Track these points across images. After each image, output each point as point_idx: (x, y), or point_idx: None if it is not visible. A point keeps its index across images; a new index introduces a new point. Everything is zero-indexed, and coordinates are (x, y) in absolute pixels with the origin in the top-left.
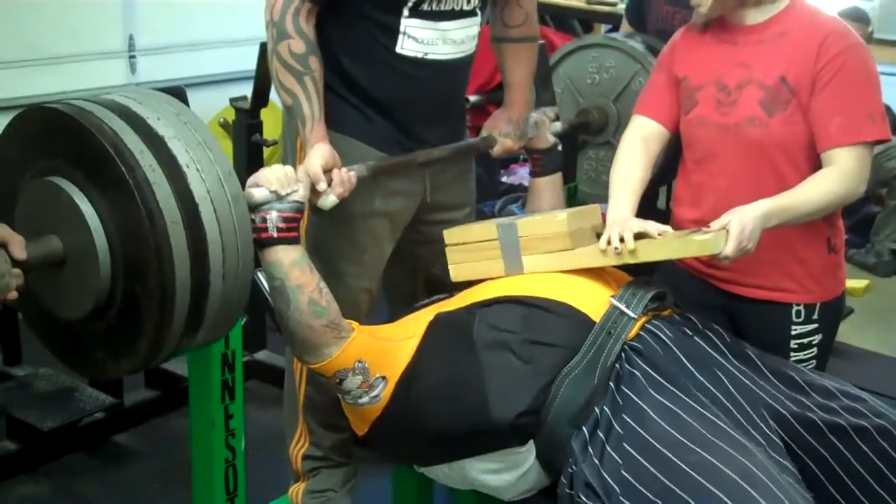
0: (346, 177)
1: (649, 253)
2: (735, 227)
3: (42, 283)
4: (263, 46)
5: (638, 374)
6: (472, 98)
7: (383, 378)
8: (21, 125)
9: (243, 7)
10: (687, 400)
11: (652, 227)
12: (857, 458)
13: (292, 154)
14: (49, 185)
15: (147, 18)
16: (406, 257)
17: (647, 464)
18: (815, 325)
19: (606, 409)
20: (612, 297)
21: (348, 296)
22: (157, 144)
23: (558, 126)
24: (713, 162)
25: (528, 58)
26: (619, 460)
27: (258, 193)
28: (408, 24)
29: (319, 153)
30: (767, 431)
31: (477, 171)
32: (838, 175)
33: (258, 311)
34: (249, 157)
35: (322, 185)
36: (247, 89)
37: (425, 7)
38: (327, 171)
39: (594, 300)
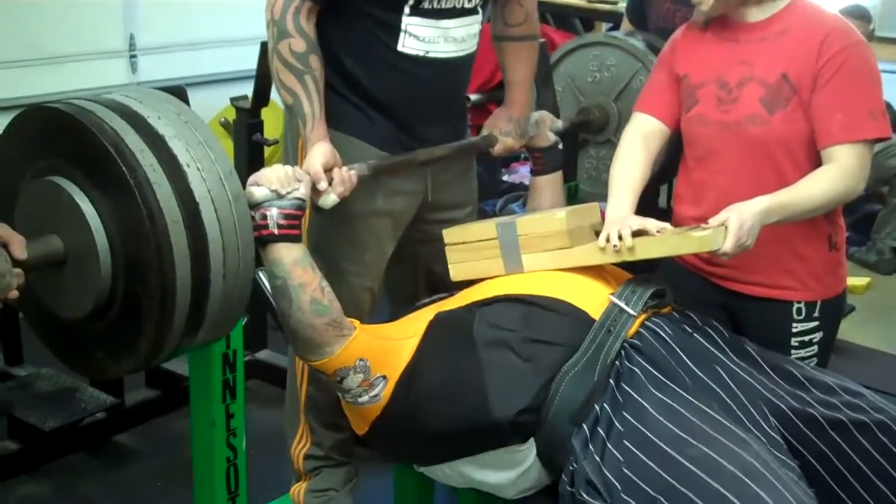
0: (346, 176)
1: (648, 250)
2: (734, 224)
3: (43, 283)
4: (264, 46)
5: (638, 371)
6: (473, 97)
7: (384, 377)
8: (22, 125)
9: (244, 6)
10: (686, 396)
11: (651, 224)
12: (858, 454)
13: (293, 154)
14: (50, 185)
15: (148, 18)
16: (407, 256)
17: (647, 460)
18: (816, 323)
19: (607, 406)
20: (612, 294)
21: (350, 295)
22: (157, 144)
23: (559, 125)
24: (714, 160)
25: (528, 56)
26: (621, 457)
27: (259, 192)
28: (409, 23)
29: (320, 152)
30: (767, 428)
31: (478, 169)
32: (839, 172)
33: (259, 310)
34: (250, 157)
35: (323, 184)
36: (248, 88)
37: (426, 5)
38: (328, 170)
39: (594, 298)
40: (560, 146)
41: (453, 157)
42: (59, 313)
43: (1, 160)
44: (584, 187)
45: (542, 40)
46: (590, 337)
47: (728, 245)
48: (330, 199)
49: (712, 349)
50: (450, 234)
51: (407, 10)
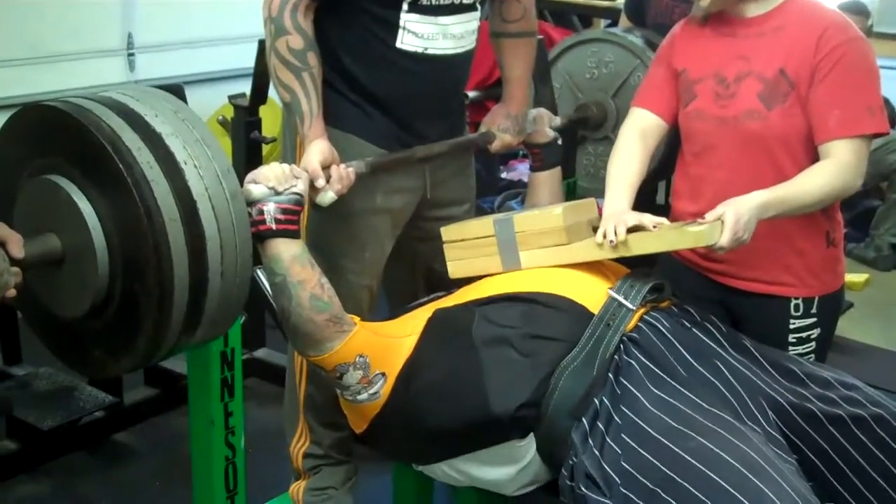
0: (344, 173)
1: (644, 245)
2: (730, 218)
3: (41, 282)
4: (262, 44)
5: (635, 364)
6: (471, 94)
7: (383, 374)
8: (19, 123)
9: (241, 4)
10: (684, 391)
11: (648, 219)
12: (856, 448)
13: (291, 152)
14: (47, 184)
15: (146, 16)
16: (406, 254)
17: (645, 454)
18: (814, 320)
19: (606, 400)
20: (611, 289)
21: (349, 293)
22: (154, 141)
23: (557, 122)
24: (712, 155)
25: (526, 53)
26: (619, 451)
27: (256, 190)
28: (407, 19)
29: (318, 149)
30: (766, 423)
31: (476, 166)
32: (836, 167)
33: (257, 308)
34: (248, 155)
35: (321, 182)
36: (245, 87)
37: (424, 1)
38: (326, 168)
39: (593, 293)
40: (559, 142)
41: (451, 153)
42: (57, 312)
43: None
44: (582, 184)
45: (540, 37)
46: (589, 331)
47: (724, 239)
48: (328, 197)
49: (711, 344)
50: (448, 232)
51: (405, 6)
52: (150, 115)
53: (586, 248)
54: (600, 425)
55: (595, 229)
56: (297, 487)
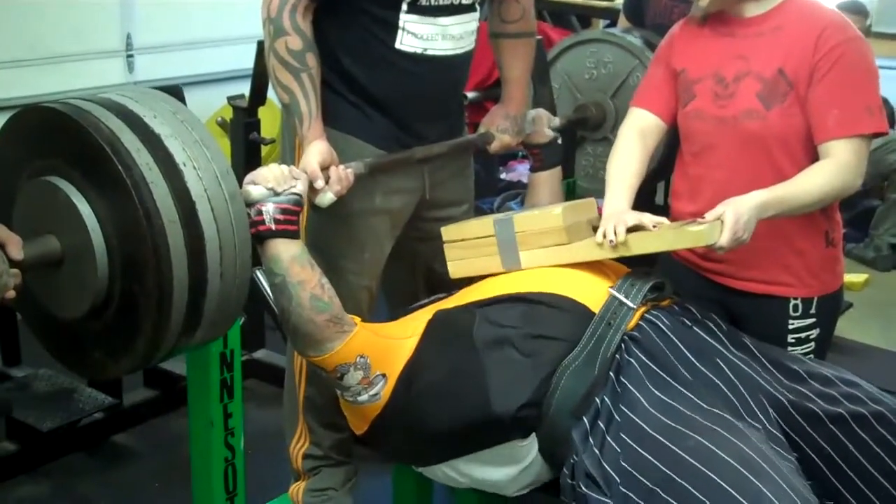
0: (343, 174)
1: (644, 245)
2: (730, 218)
3: (40, 283)
4: (261, 45)
5: (635, 364)
6: (470, 94)
7: (383, 375)
8: (18, 125)
9: (241, 6)
10: (684, 390)
11: (647, 219)
12: (857, 447)
13: (290, 153)
14: (46, 185)
15: (145, 17)
16: (405, 255)
17: (645, 453)
18: (813, 320)
19: (607, 399)
20: (611, 287)
21: (349, 293)
22: (153, 143)
23: (556, 122)
24: (711, 155)
25: (525, 53)
26: (619, 450)
27: (255, 191)
28: (407, 20)
29: (317, 150)
30: (766, 421)
31: (475, 167)
32: (835, 167)
33: (257, 310)
34: (247, 156)
35: (320, 183)
36: (244, 88)
37: (424, 2)
38: (325, 169)
39: (593, 292)
40: (559, 142)
41: (450, 154)
42: (57, 313)
43: None
44: (581, 184)
45: (539, 37)
46: (590, 330)
47: (724, 239)
48: (327, 198)
49: (712, 342)
50: (448, 232)
51: (404, 7)
52: (149, 117)
53: (586, 247)
54: (601, 424)
55: (595, 229)
56: (297, 488)
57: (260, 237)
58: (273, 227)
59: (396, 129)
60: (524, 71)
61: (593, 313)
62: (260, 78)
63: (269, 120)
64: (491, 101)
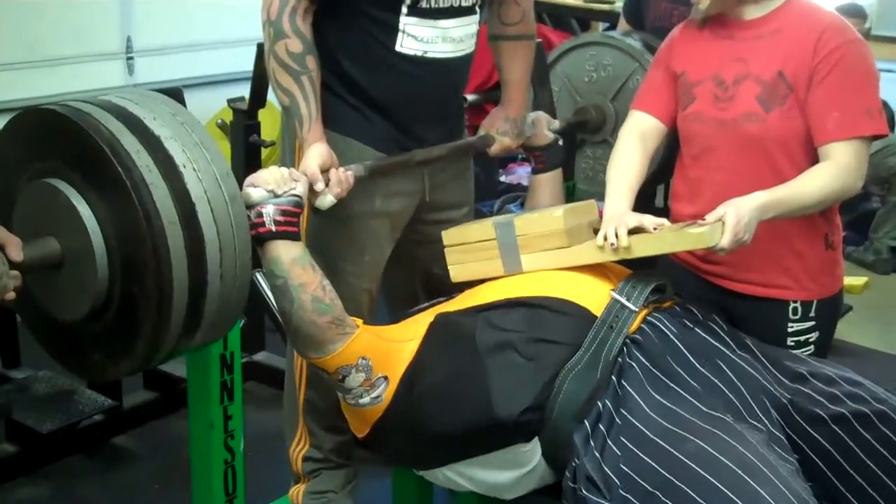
0: (343, 176)
1: (645, 247)
2: (731, 219)
3: (40, 285)
4: (261, 47)
5: (636, 367)
6: (470, 97)
7: (385, 378)
8: (18, 127)
9: (241, 8)
10: (685, 394)
11: (648, 221)
12: (860, 447)
13: (290, 155)
14: (46, 187)
15: (145, 20)
16: (404, 258)
17: (644, 456)
18: (812, 323)
19: (608, 402)
20: (613, 290)
21: (349, 296)
22: (153, 144)
23: (556, 125)
24: (711, 157)
25: (524, 56)
26: (619, 453)
27: (255, 194)
28: (407, 22)
29: (317, 153)
30: (769, 422)
31: (475, 170)
32: (835, 169)
33: (256, 312)
34: (247, 158)
35: (320, 185)
36: (244, 90)
37: (424, 4)
38: (325, 171)
39: (595, 295)
40: (560, 143)
41: (450, 157)
42: (57, 315)
43: None
44: (581, 186)
45: (539, 40)
46: (592, 334)
47: (725, 241)
48: (327, 200)
49: (714, 343)
50: (449, 236)
51: (405, 9)
52: (149, 119)
53: (587, 250)
54: (602, 428)
55: (595, 231)
56: (297, 491)
57: (260, 239)
58: (273, 228)
59: (396, 132)
60: (524, 73)
61: (595, 316)
62: (260, 80)
63: (269, 122)
64: (491, 104)
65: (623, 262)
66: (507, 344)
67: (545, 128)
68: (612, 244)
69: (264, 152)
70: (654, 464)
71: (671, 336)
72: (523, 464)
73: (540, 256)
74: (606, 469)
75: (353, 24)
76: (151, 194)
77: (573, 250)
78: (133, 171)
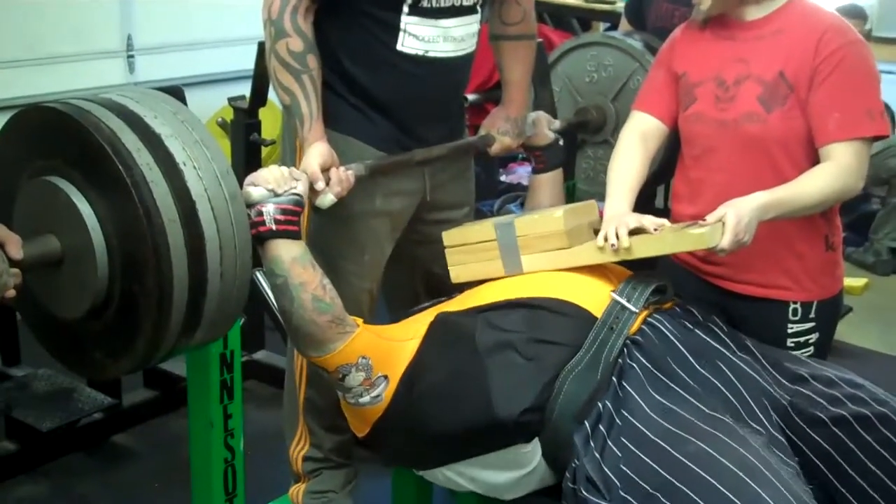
0: (344, 176)
1: (646, 248)
2: (731, 220)
3: (40, 283)
4: (262, 46)
5: (637, 368)
6: (471, 97)
7: (385, 377)
8: (19, 125)
9: (242, 6)
10: (685, 395)
11: (648, 221)
12: (861, 449)
13: (291, 154)
14: (47, 185)
15: (145, 18)
16: (404, 258)
17: (645, 457)
18: (812, 324)
19: (609, 403)
20: (613, 291)
21: (350, 295)
22: (154, 143)
23: (557, 125)
24: (711, 158)
25: (525, 56)
26: (619, 454)
27: (256, 192)
28: (408, 22)
29: (317, 152)
30: (769, 424)
31: (476, 170)
32: (836, 170)
33: (256, 310)
34: (248, 157)
35: (320, 184)
36: (245, 89)
37: (425, 4)
38: (325, 170)
39: (595, 296)
40: (560, 143)
41: (451, 156)
42: (57, 313)
43: None
44: (581, 187)
45: (540, 40)
46: (592, 335)
47: (726, 241)
48: (327, 199)
49: (714, 344)
50: (449, 237)
51: (406, 8)
52: (150, 117)
53: (587, 251)
54: (602, 428)
55: (596, 232)
56: (297, 490)
57: (260, 238)
58: (273, 227)
59: (397, 131)
60: (524, 73)
61: (595, 318)
62: (260, 79)
63: (270, 121)
64: (491, 104)
65: (623, 263)
66: (507, 344)
67: (546, 128)
68: (612, 245)
69: (264, 151)
70: (654, 465)
71: (671, 337)
72: (523, 464)
73: (540, 257)
74: (606, 470)
75: (355, 23)
76: (152, 192)
77: (573, 251)
78: (133, 169)
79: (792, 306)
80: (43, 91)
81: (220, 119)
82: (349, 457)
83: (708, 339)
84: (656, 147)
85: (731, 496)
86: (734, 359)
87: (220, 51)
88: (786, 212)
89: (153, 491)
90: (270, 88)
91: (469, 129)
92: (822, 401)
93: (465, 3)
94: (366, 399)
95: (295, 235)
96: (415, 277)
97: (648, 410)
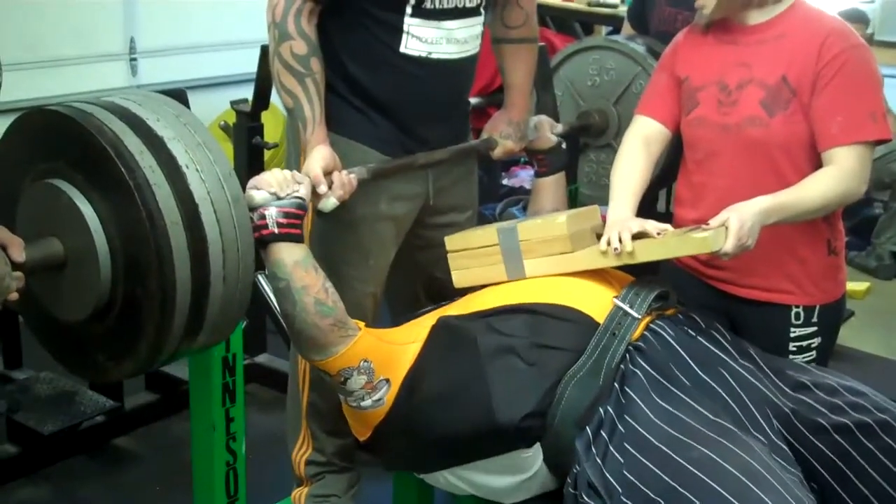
0: (346, 179)
1: (649, 252)
2: (734, 224)
3: (43, 286)
4: (264, 49)
5: (640, 374)
6: (473, 100)
7: (387, 380)
8: (22, 127)
9: (244, 10)
10: (688, 401)
11: (651, 226)
12: (863, 456)
13: (296, 158)
14: (49, 188)
15: (148, 21)
16: (405, 262)
17: (648, 463)
18: (815, 328)
19: (611, 409)
20: (616, 297)
21: (354, 300)
22: (156, 145)
23: (559, 129)
24: (714, 162)
25: (527, 59)
26: (621, 460)
27: (258, 196)
28: (411, 23)
29: (320, 155)
30: (770, 432)
31: (479, 173)
32: (839, 174)
33: (258, 314)
34: (250, 160)
35: (322, 188)
36: (248, 92)
37: (428, 5)
38: (328, 174)
39: (598, 301)
40: (563, 146)
41: (453, 160)
42: (59, 316)
43: (1, 163)
44: (584, 191)
45: (542, 44)
46: (594, 340)
47: (729, 245)
48: (330, 203)
49: (717, 351)
50: (452, 241)
51: (409, 10)
52: (153, 120)
53: (590, 255)
54: (604, 434)
55: (599, 236)
56: (300, 493)
57: (263, 241)
58: (276, 230)
59: (400, 134)
60: (527, 76)
61: (598, 323)
62: (263, 82)
63: (272, 124)
64: (494, 107)
65: (626, 268)
66: (509, 349)
67: (548, 131)
68: (615, 249)
69: (267, 154)
70: (657, 470)
71: (674, 344)
72: (525, 469)
73: (543, 262)
74: (608, 475)
75: (358, 25)
76: (154, 195)
77: (576, 255)
78: (136, 172)
79: (794, 310)
80: (46, 94)
81: (222, 122)
82: (352, 461)
83: (710, 346)
84: (659, 151)
85: (734, 502)
86: (736, 366)
87: (222, 54)
88: (789, 216)
89: (155, 494)
90: (273, 92)
91: (472, 132)
92: (824, 409)
93: (468, 5)
94: (367, 403)
95: (297, 239)
96: (416, 282)
97: (652, 416)
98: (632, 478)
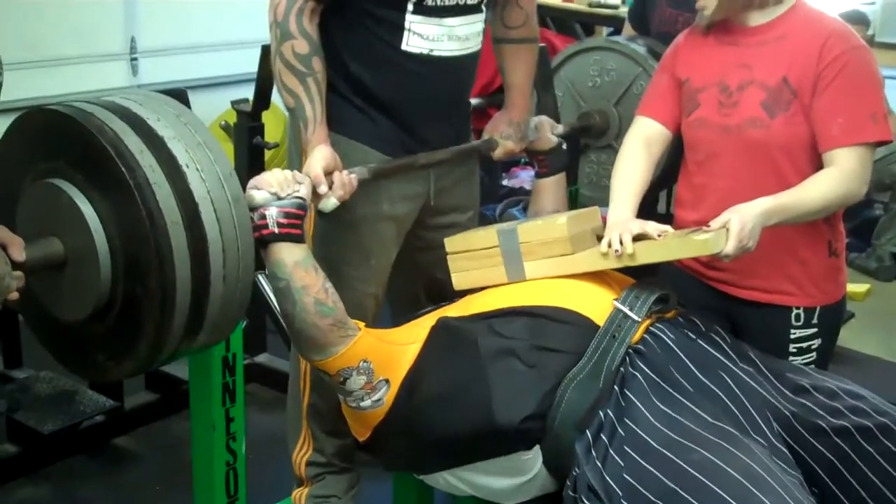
0: (347, 179)
1: (649, 254)
2: (735, 225)
3: (43, 285)
4: (265, 49)
5: (640, 377)
6: (474, 101)
7: (386, 381)
8: (22, 127)
9: (244, 9)
10: (688, 404)
11: (652, 227)
12: (862, 459)
13: (297, 158)
14: (50, 188)
15: (149, 20)
16: (405, 263)
17: (648, 466)
18: (815, 330)
19: (611, 412)
20: (616, 300)
21: (355, 301)
22: (157, 145)
23: (559, 130)
24: (715, 163)
25: (527, 59)
26: (622, 463)
27: (259, 196)
28: (412, 21)
29: (321, 155)
30: (771, 435)
31: (480, 174)
32: (839, 175)
33: (258, 313)
34: (251, 160)
35: (323, 188)
36: (248, 92)
37: (429, 2)
38: (328, 174)
39: (598, 304)
40: (563, 147)
41: (454, 160)
42: (59, 315)
43: (2, 162)
44: (584, 192)
45: (543, 44)
46: (594, 343)
47: (730, 247)
48: (330, 203)
49: (717, 355)
50: (452, 243)
51: (410, 7)
52: (153, 119)
53: (591, 257)
54: (604, 437)
55: (599, 238)
56: (300, 493)
57: (263, 241)
58: (276, 230)
59: (401, 134)
60: (527, 77)
61: (598, 326)
62: (264, 82)
63: (273, 124)
64: (494, 108)
65: (626, 269)
66: (508, 351)
67: (548, 132)
68: (616, 251)
69: (268, 154)
70: (658, 473)
71: (674, 347)
72: (524, 471)
73: (543, 264)
74: (608, 478)
75: (359, 23)
76: (155, 194)
77: (577, 257)
78: (136, 172)
79: (795, 312)
80: (46, 93)
81: (223, 122)
82: (352, 461)
83: (711, 349)
84: (660, 152)
85: None
86: (737, 370)
87: (223, 54)
88: (789, 217)
89: (155, 494)
90: (274, 91)
91: (472, 133)
92: (824, 412)
93: (469, 2)
94: (367, 403)
95: (298, 239)
96: (417, 283)
97: (652, 419)
98: (632, 481)
